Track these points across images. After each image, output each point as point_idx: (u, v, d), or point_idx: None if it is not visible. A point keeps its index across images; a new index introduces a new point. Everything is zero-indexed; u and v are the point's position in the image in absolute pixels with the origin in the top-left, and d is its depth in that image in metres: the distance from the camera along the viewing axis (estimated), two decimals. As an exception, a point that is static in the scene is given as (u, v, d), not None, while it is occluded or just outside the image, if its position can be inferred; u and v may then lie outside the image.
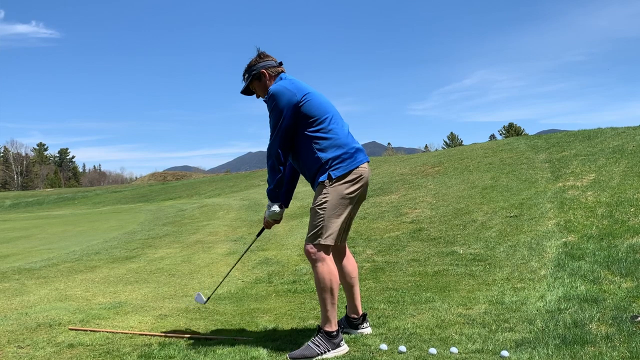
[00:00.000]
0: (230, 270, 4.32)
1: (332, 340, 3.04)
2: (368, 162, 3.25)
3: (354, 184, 3.10)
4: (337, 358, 3.00)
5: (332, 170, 3.07)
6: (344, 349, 3.07)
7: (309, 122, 3.10)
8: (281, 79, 3.24)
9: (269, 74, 3.25)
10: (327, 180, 3.08)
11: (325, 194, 3.07)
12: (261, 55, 3.29)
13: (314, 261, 3.09)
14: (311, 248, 3.09)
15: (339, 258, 3.44)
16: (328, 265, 3.07)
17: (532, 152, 12.22)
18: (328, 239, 3.07)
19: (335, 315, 3.10)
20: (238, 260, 4.28)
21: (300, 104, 3.08)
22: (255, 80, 3.28)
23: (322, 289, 3.06)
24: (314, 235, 3.09)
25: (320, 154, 3.09)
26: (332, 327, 3.07)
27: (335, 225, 3.07)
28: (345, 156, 3.09)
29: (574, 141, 12.30)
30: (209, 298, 3.97)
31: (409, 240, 6.93)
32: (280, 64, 3.30)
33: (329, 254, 3.10)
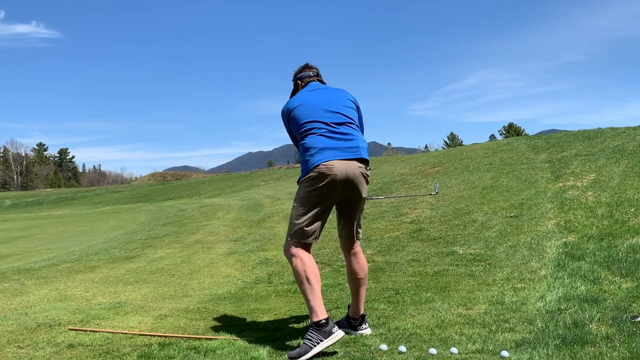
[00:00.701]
0: None
1: (322, 329, 3.03)
2: (344, 159, 3.22)
3: (314, 183, 3.24)
4: (337, 356, 3.00)
5: (302, 172, 3.35)
6: (337, 335, 3.04)
7: (297, 134, 3.44)
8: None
9: (302, 84, 3.65)
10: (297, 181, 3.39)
11: (296, 194, 3.38)
12: (304, 66, 3.73)
13: (287, 257, 3.34)
14: (285, 245, 3.37)
15: (348, 256, 3.54)
16: (300, 258, 3.23)
17: (532, 152, 12.23)
18: (294, 235, 3.29)
19: (319, 304, 3.11)
20: None
21: (289, 121, 3.47)
22: (295, 88, 3.71)
23: (299, 281, 3.21)
24: (287, 234, 3.36)
25: (301, 160, 3.43)
26: (318, 316, 3.07)
27: (299, 222, 3.27)
28: (307, 158, 3.30)
29: (574, 141, 12.30)
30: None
31: (409, 240, 6.93)
32: (317, 74, 3.69)
33: (300, 249, 3.27)
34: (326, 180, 3.21)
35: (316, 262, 3.33)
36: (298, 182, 3.38)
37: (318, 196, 3.24)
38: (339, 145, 3.27)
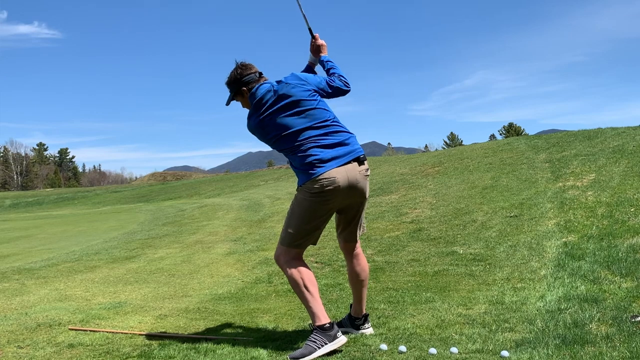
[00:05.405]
0: None
1: (327, 333, 3.04)
2: (343, 164, 3.15)
3: (316, 195, 3.13)
4: (337, 356, 3.00)
5: (299, 181, 3.23)
6: (341, 339, 3.07)
7: (281, 150, 3.30)
8: (254, 100, 3.28)
9: (249, 89, 3.33)
10: (297, 188, 3.27)
11: (293, 200, 3.28)
12: (240, 68, 3.35)
13: (280, 265, 3.25)
14: (276, 252, 3.27)
15: (349, 258, 3.49)
16: (295, 267, 3.18)
17: (532, 152, 12.22)
18: (286, 242, 3.21)
19: (320, 309, 3.11)
20: None
21: (271, 141, 3.29)
22: (238, 95, 3.39)
23: (298, 290, 3.17)
24: (279, 240, 3.26)
25: (294, 169, 3.31)
26: (322, 320, 3.07)
27: (297, 232, 3.18)
28: (305, 168, 3.17)
29: (574, 141, 12.29)
30: None
31: (409, 240, 6.93)
32: (261, 74, 3.37)
33: (294, 256, 3.21)
34: (329, 192, 3.11)
35: (316, 262, 3.34)
36: (298, 189, 3.25)
37: (320, 209, 3.16)
38: (335, 154, 3.16)
